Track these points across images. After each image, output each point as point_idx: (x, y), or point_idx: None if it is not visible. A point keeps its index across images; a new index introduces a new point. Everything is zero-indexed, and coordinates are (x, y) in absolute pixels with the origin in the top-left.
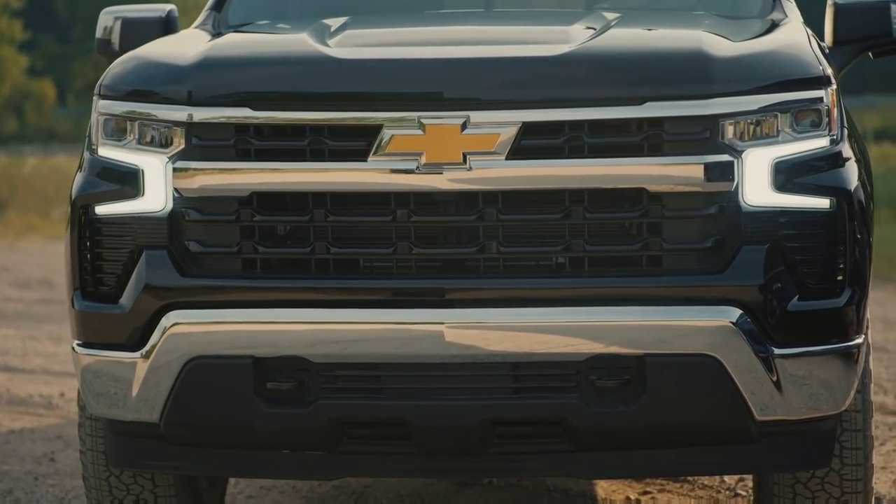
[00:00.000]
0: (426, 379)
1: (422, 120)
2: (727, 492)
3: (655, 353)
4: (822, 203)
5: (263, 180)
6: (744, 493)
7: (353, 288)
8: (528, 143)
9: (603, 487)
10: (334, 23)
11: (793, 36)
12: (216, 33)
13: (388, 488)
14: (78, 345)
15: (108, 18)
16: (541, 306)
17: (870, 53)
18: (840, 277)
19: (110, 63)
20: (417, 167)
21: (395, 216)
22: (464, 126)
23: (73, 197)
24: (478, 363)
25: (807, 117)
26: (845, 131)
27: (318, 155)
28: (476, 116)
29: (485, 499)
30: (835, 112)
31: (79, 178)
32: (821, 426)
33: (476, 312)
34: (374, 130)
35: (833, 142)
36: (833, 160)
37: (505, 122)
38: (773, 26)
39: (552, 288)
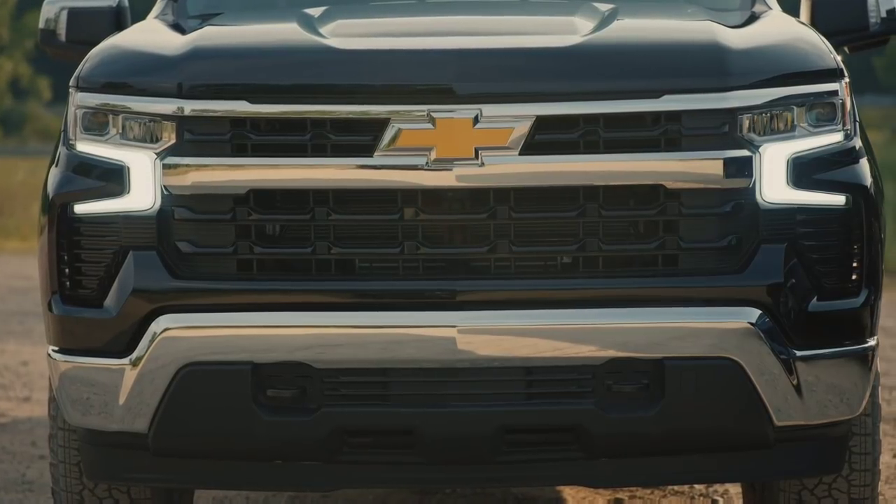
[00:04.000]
0: (436, 385)
1: (432, 113)
2: (701, 497)
3: (674, 356)
4: (839, 200)
5: (262, 177)
6: (720, 501)
7: (357, 290)
8: (542, 138)
9: (572, 495)
10: (315, 12)
11: (799, 28)
12: (176, 23)
13: (348, 498)
14: (55, 351)
15: (51, 9)
16: (555, 308)
17: (846, 48)
18: (857, 276)
19: (55, 56)
20: (427, 163)
21: (402, 214)
22: (476, 120)
23: (49, 195)
24: (490, 368)
25: (822, 111)
26: (857, 125)
27: (319, 150)
28: (489, 110)
29: None
30: (848, 105)
31: (55, 175)
32: (834, 431)
33: (487, 315)
34: (380, 124)
35: (847, 136)
36: (848, 155)
37: (519, 116)
38: (767, 19)
39: (566, 289)
